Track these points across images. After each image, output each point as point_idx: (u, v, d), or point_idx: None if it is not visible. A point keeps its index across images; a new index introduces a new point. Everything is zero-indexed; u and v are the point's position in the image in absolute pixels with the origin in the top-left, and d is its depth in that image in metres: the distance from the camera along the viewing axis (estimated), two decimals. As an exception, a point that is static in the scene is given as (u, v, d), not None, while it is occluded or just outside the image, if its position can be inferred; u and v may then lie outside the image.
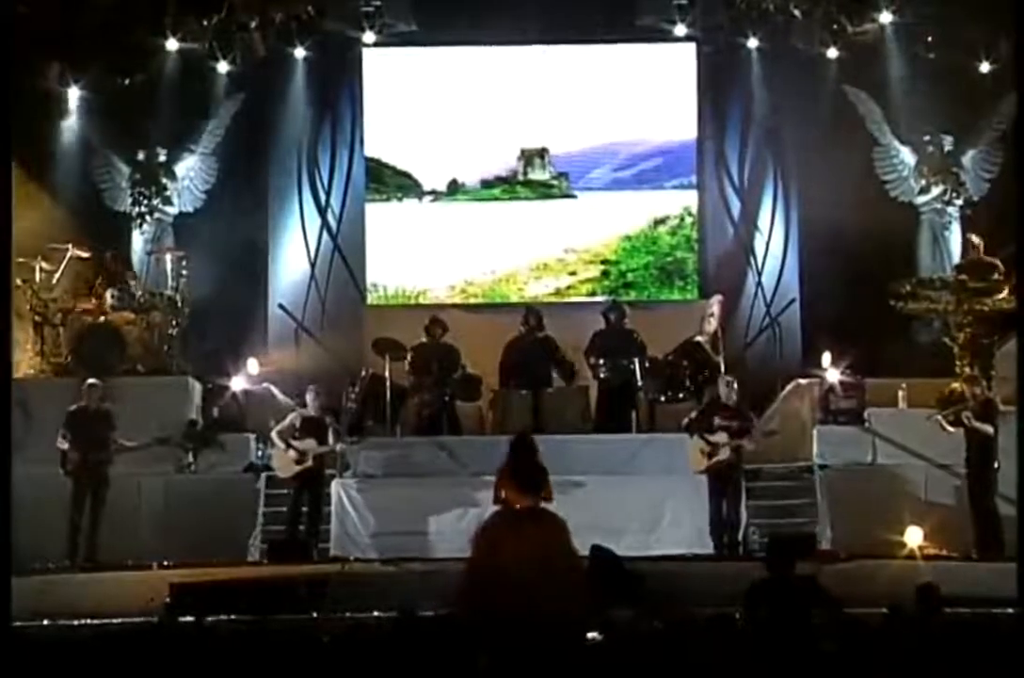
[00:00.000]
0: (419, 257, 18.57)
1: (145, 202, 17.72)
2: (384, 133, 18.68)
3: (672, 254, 18.66)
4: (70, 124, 17.80)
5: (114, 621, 12.02)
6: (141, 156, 17.82)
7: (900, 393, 15.45)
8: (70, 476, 14.24)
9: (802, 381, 16.14)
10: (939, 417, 14.24)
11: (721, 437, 14.33)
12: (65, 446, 14.22)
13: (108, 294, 16.54)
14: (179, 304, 16.73)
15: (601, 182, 18.67)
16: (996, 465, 13.96)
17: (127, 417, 14.77)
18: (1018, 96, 16.46)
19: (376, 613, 12.02)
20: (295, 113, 18.64)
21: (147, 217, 17.74)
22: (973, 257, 16.37)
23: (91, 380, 14.61)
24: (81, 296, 16.64)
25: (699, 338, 16.50)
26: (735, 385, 14.62)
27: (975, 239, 16.40)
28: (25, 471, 13.20)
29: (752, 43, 18.21)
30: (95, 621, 12.04)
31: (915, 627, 8.80)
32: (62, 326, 16.39)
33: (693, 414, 14.80)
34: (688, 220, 18.67)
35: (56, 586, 13.21)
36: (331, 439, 14.66)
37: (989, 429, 14.01)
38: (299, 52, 18.30)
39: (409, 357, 16.37)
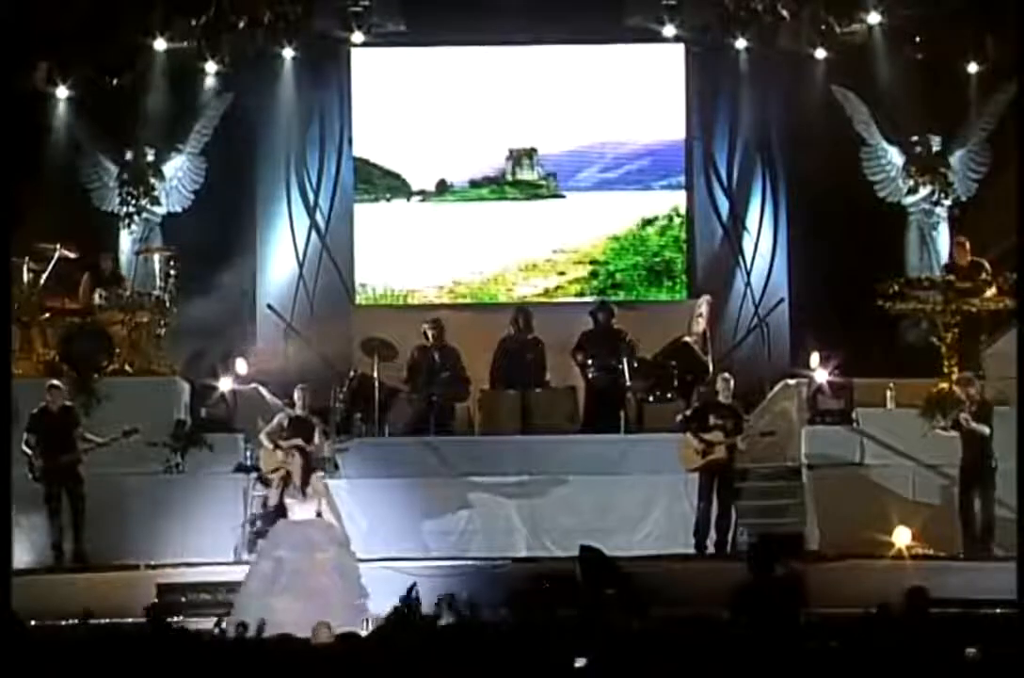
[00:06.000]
0: (407, 257, 18.54)
1: (133, 202, 17.68)
2: (372, 133, 18.66)
3: (660, 254, 18.66)
4: (57, 124, 17.77)
5: (101, 622, 12.00)
6: (129, 156, 17.78)
7: (888, 393, 15.46)
8: (39, 481, 14.22)
9: (790, 381, 16.14)
10: (939, 430, 14.32)
11: (717, 435, 14.34)
12: (29, 451, 14.19)
13: (96, 294, 16.51)
14: (167, 304, 16.66)
15: (589, 182, 18.66)
16: (994, 465, 14.03)
17: (114, 417, 14.77)
18: (1019, 96, 16.50)
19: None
20: (283, 113, 18.59)
21: (135, 217, 17.71)
22: (961, 257, 16.38)
23: (53, 381, 14.59)
24: (68, 296, 16.60)
25: (688, 338, 16.50)
26: (732, 383, 14.65)
27: (962, 239, 16.42)
28: (13, 471, 13.21)
29: (740, 43, 18.18)
30: (83, 621, 12.01)
31: (901, 627, 8.81)
32: (49, 326, 16.36)
33: (688, 411, 14.84)
34: (676, 220, 18.66)
35: (43, 586, 13.20)
36: (317, 439, 14.66)
37: (986, 430, 14.09)
38: (287, 52, 18.26)
39: (408, 360, 16.40)
